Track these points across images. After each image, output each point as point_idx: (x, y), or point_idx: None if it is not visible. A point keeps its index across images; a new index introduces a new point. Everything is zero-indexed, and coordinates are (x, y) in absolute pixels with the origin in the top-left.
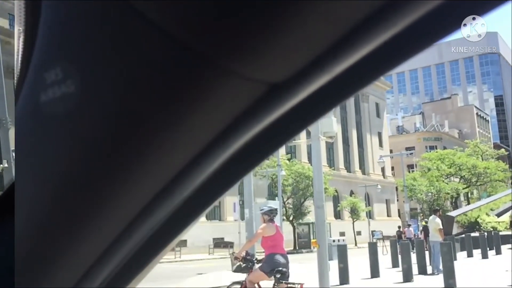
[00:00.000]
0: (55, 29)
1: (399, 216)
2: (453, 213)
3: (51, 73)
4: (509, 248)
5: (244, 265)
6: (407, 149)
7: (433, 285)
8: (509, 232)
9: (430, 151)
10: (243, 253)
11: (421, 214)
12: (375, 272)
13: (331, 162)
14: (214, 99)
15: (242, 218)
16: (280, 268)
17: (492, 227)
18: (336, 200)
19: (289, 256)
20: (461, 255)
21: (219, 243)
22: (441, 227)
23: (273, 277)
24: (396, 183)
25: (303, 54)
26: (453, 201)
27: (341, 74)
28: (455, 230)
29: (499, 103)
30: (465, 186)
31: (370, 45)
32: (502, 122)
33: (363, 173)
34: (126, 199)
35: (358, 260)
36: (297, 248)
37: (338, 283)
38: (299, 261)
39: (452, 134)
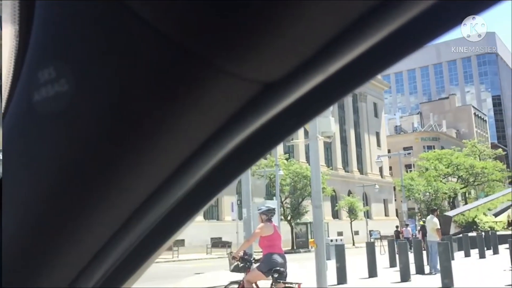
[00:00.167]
0: (49, 28)
1: (397, 216)
2: (450, 213)
3: (44, 72)
4: (507, 248)
5: (241, 264)
6: (405, 149)
7: (430, 285)
8: (506, 232)
9: (428, 151)
10: (241, 253)
11: (419, 214)
12: (372, 271)
13: (329, 162)
14: (209, 99)
15: (240, 217)
16: (278, 268)
17: (490, 227)
18: (334, 200)
19: (287, 256)
20: (459, 255)
21: (217, 243)
22: (439, 227)
23: (270, 276)
24: (394, 183)
25: (297, 54)
26: (451, 201)
27: (336, 73)
28: (453, 230)
29: (497, 103)
30: (462, 186)
31: (364, 44)
32: (499, 122)
33: (361, 173)
34: (121, 198)
35: (356, 260)
36: (295, 247)
37: (336, 283)
38: (297, 260)
39: (450, 134)
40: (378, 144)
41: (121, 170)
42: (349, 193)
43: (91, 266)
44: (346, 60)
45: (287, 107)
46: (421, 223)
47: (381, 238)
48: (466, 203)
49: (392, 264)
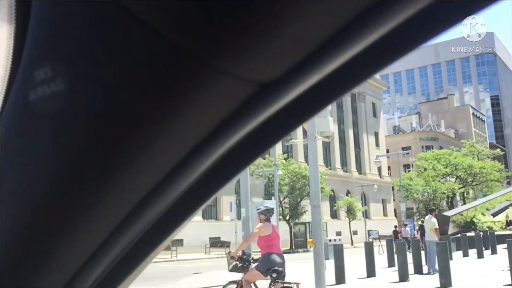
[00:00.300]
0: (45, 28)
1: (395, 215)
2: (449, 213)
3: (40, 71)
4: (505, 248)
5: (240, 264)
6: (403, 149)
7: (428, 285)
8: (504, 232)
9: (426, 151)
10: (239, 253)
11: (417, 214)
12: (371, 271)
13: (327, 162)
14: (205, 99)
15: (239, 217)
16: (276, 268)
17: (488, 227)
18: (332, 199)
19: (286, 256)
20: (457, 255)
21: (216, 243)
22: (437, 226)
23: (269, 276)
24: (393, 182)
25: (293, 54)
26: (449, 201)
27: (332, 73)
28: (451, 229)
29: (495, 103)
30: (461, 186)
31: (360, 44)
32: (498, 122)
33: (360, 172)
34: (117, 198)
35: (354, 260)
36: (293, 247)
37: (334, 283)
38: (295, 260)
39: (448, 134)
40: (377, 144)
41: (118, 169)
42: (348, 193)
43: (88, 265)
44: (342, 60)
45: (283, 107)
46: (420, 223)
47: (380, 238)
48: (464, 203)
49: (391, 264)
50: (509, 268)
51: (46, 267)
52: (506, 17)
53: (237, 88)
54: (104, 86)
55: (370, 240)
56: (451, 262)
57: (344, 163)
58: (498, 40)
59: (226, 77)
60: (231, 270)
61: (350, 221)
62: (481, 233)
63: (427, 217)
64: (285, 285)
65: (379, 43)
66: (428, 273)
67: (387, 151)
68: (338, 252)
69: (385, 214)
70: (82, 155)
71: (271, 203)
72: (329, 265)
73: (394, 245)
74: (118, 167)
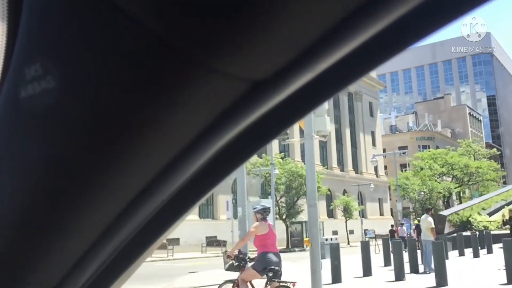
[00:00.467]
0: (36, 25)
1: (392, 215)
2: (445, 212)
3: (31, 69)
4: (500, 247)
5: (236, 263)
6: (400, 148)
7: (424, 284)
8: (500, 231)
9: (422, 151)
10: (236, 252)
11: (414, 213)
12: (367, 270)
13: (324, 161)
14: (197, 97)
15: (235, 216)
16: (273, 267)
17: (484, 226)
18: (329, 199)
19: (282, 255)
20: (453, 254)
21: (212, 242)
22: (433, 226)
23: (265, 275)
24: (389, 182)
25: (285, 52)
26: (445, 200)
27: (325, 71)
28: (447, 229)
29: (492, 103)
30: (457, 185)
31: (353, 43)
32: (494, 122)
33: (356, 172)
34: (109, 197)
35: (351, 259)
36: (290, 246)
37: (331, 282)
38: (291, 259)
39: (444, 133)
40: (373, 144)
41: (109, 169)
42: (344, 192)
43: (79, 266)
44: (335, 58)
45: (277, 106)
46: (416, 222)
47: (376, 237)
48: (460, 203)
49: (387, 263)
50: (505, 268)
51: (35, 268)
52: (503, 17)
53: (229, 87)
54: (95, 84)
55: (367, 239)
56: (447, 261)
57: (340, 162)
58: (495, 40)
59: (218, 76)
60: (228, 269)
61: (346, 220)
62: (477, 233)
63: (423, 216)
64: (281, 284)
65: (372, 42)
66: (424, 272)
67: (384, 150)
68: (335, 251)
69: (381, 214)
70: (73, 154)
71: (268, 202)
72: (326, 264)
73: (390, 244)
74: (110, 167)
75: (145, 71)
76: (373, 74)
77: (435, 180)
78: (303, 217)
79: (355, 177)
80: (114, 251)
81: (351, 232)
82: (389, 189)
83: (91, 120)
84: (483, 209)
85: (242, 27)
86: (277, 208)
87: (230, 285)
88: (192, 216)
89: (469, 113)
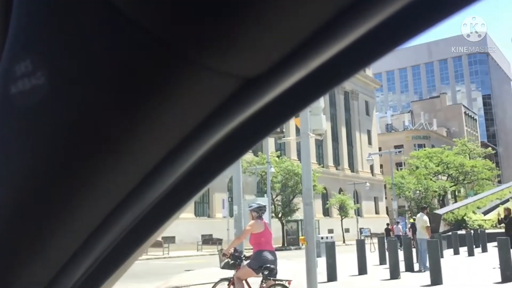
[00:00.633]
0: (26, 20)
1: (387, 213)
2: (440, 211)
3: (21, 65)
4: (495, 246)
5: (232, 261)
6: (395, 147)
7: (419, 282)
8: (495, 230)
9: (418, 149)
10: (231, 250)
11: (409, 212)
12: (362, 269)
13: (320, 160)
14: (189, 94)
15: (231, 215)
16: (268, 265)
17: (479, 225)
18: (325, 197)
19: (278, 253)
20: (448, 253)
21: (208, 240)
22: (429, 224)
23: (261, 273)
24: (385, 181)
25: (278, 49)
26: (441, 199)
27: (318, 68)
28: (442, 227)
29: (487, 102)
30: (452, 184)
31: (346, 39)
32: (489, 121)
33: (352, 170)
34: (101, 195)
35: (346, 257)
36: (285, 245)
37: (326, 280)
38: (287, 258)
39: (440, 132)
40: (369, 142)
41: (101, 166)
42: (340, 190)
43: (69, 265)
44: (328, 55)
45: (270, 103)
46: (411, 220)
47: (371, 235)
48: (455, 201)
49: (382, 261)
50: (500, 266)
51: (24, 268)
52: (499, 16)
53: (221, 84)
54: (85, 81)
55: (362, 237)
56: (442, 260)
57: (336, 161)
58: (491, 39)
59: (211, 73)
60: (223, 267)
61: (342, 219)
62: (472, 231)
63: (418, 215)
64: (276, 282)
65: (366, 38)
66: (419, 271)
67: (380, 149)
68: (330, 250)
69: (377, 212)
70: (63, 151)
71: (264, 201)
72: (321, 263)
73: (385, 243)
74: (101, 164)
75: (137, 69)
76: (369, 73)
77: (431, 179)
78: (299, 215)
79: (351, 176)
80: (106, 250)
81: (347, 230)
82: (385, 187)
83: (82, 117)
84: (478, 208)
85: (234, 24)
86: (273, 206)
87: (226, 283)
88: (187, 214)
89: (465, 112)
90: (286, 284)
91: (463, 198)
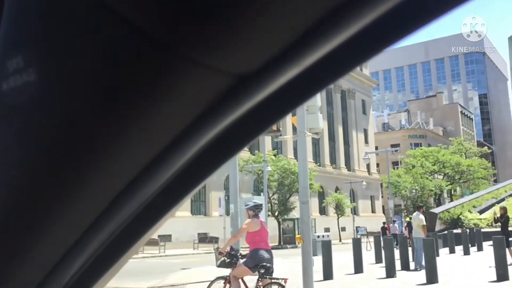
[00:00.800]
0: (18, 17)
1: (384, 212)
2: (436, 210)
3: (13, 61)
4: (490, 245)
5: (228, 260)
6: (392, 146)
7: (415, 281)
8: (490, 229)
9: (414, 148)
10: (228, 248)
11: (405, 211)
12: (358, 267)
13: (317, 158)
14: (183, 92)
15: (227, 213)
16: (264, 264)
17: (474, 224)
18: (321, 196)
19: (274, 252)
20: (444, 251)
21: (204, 238)
22: (425, 223)
23: (257, 272)
24: (381, 179)
25: (271, 46)
26: (437, 198)
27: (312, 66)
28: (438, 226)
29: (483, 101)
30: (448, 183)
31: (339, 37)
32: (485, 121)
33: (349, 169)
34: (94, 193)
35: (342, 256)
36: (281, 243)
37: (322, 278)
38: (283, 256)
39: (436, 131)
40: (366, 141)
41: (94, 163)
42: (337, 189)
43: (61, 265)
44: (322, 53)
45: (263, 100)
46: (407, 219)
47: (368, 234)
48: (451, 200)
49: (378, 260)
50: (495, 265)
51: (16, 267)
52: (495, 16)
53: (215, 81)
54: (78, 78)
55: (358, 236)
56: (437, 258)
57: (333, 160)
58: (487, 39)
59: (204, 70)
60: (219, 266)
61: (338, 218)
62: (468, 230)
63: (414, 213)
64: (273, 280)
65: (359, 36)
66: (415, 269)
67: (376, 148)
68: (326, 248)
69: (373, 211)
70: (55, 149)
71: (260, 199)
72: (317, 261)
73: (382, 241)
74: (94, 161)
75: (130, 67)
76: (366, 71)
77: (427, 178)
78: (295, 214)
79: (347, 175)
80: (100, 248)
81: (343, 229)
82: (381, 186)
83: (74, 115)
84: (473, 206)
85: (226, 21)
86: (269, 205)
87: (222, 281)
88: (184, 212)
89: (461, 112)
90: (282, 283)
91: (459, 197)
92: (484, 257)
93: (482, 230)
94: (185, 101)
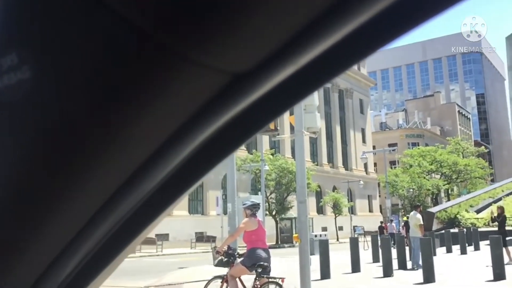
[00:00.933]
0: (12, 14)
1: (381, 211)
2: (433, 209)
3: (7, 59)
4: (487, 245)
5: (225, 259)
6: (389, 145)
7: (412, 280)
8: (487, 229)
9: (412, 148)
10: (225, 247)
11: (402, 210)
12: (356, 267)
13: (314, 158)
14: (179, 90)
15: (225, 212)
16: (262, 263)
17: (471, 224)
18: (318, 195)
19: (271, 251)
20: (441, 251)
21: (201, 237)
22: (422, 222)
23: (254, 271)
24: (378, 179)
25: (267, 45)
26: (434, 197)
27: (307, 65)
28: (435, 226)
29: (480, 101)
30: (445, 182)
31: (335, 36)
32: (482, 120)
33: (346, 168)
34: (88, 192)
35: (340, 255)
36: (279, 242)
37: (319, 278)
38: (281, 255)
39: (434, 131)
40: (364, 141)
41: (90, 162)
42: (334, 188)
43: (55, 266)
44: (317, 52)
45: (259, 99)
46: (405, 219)
47: (365, 233)
48: (448, 200)
49: (375, 259)
50: (492, 265)
51: (11, 267)
52: (494, 16)
53: (211, 80)
54: (75, 77)
55: (356, 235)
56: (434, 258)
57: (331, 159)
58: (485, 38)
59: (200, 69)
60: (217, 265)
61: (336, 217)
62: (465, 230)
63: (412, 213)
64: (270, 280)
65: (354, 35)
66: (412, 269)
67: (374, 147)
68: (324, 248)
69: (370, 210)
70: (49, 147)
71: (258, 198)
72: (315, 261)
73: (379, 241)
74: (90, 160)
75: (127, 65)
76: (364, 71)
77: (424, 177)
78: (292, 213)
79: (345, 174)
80: (95, 247)
81: (341, 228)
82: (379, 186)
83: (70, 113)
84: (471, 206)
85: (223, 20)
86: (267, 204)
87: (219, 280)
88: (181, 211)
89: (458, 111)
90: (280, 282)
91: (456, 197)
92: (481, 256)
93: (479, 229)
94: (181, 99)
